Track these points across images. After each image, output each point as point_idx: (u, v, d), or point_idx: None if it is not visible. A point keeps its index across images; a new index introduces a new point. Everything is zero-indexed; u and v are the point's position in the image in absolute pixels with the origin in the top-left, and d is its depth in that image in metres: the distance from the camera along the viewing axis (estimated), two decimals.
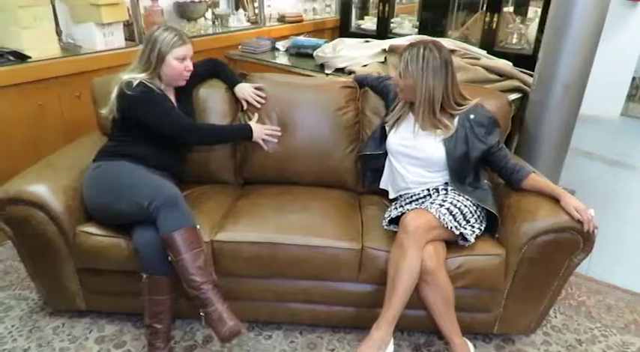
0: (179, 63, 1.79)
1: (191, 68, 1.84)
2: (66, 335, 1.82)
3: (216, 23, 3.41)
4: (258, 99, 2.04)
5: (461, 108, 1.74)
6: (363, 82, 2.11)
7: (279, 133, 2.01)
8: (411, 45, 1.68)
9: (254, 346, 1.80)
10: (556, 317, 1.99)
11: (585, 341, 1.88)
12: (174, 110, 1.82)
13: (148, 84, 1.76)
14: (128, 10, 2.68)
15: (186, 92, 1.96)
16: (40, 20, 2.32)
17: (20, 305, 1.97)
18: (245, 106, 2.06)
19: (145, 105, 1.75)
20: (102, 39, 2.54)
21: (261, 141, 1.98)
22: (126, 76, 1.76)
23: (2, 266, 2.20)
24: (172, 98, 1.88)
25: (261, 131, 1.97)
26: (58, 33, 2.49)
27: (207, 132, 1.92)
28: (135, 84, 1.73)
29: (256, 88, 2.05)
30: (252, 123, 1.99)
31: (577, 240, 1.60)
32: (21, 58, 2.25)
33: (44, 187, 1.65)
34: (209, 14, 3.38)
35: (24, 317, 1.91)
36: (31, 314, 1.92)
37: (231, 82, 2.08)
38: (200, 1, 3.26)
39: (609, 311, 2.04)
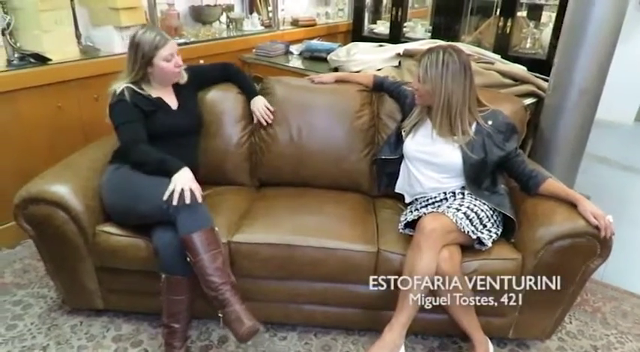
0: (167, 62, 1.79)
1: (180, 63, 1.82)
2: (84, 334, 1.85)
3: (231, 27, 3.44)
4: (266, 117, 2.05)
5: (478, 114, 1.74)
6: (382, 85, 2.11)
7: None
8: (430, 50, 1.69)
9: (269, 347, 1.81)
10: (571, 322, 1.98)
11: (601, 347, 1.87)
12: (130, 124, 1.74)
13: (127, 91, 1.75)
14: (145, 13, 2.72)
15: (187, 90, 1.95)
16: (60, 23, 2.36)
17: (39, 303, 2.00)
18: (255, 120, 2.08)
19: (111, 114, 1.78)
20: (120, 42, 2.58)
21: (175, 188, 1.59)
22: (114, 86, 1.78)
23: (21, 265, 2.24)
24: (170, 97, 1.88)
25: (186, 182, 1.60)
26: (77, 36, 2.53)
27: (139, 156, 1.71)
28: (118, 92, 1.75)
29: (267, 107, 2.06)
30: (181, 172, 1.62)
31: (594, 245, 1.60)
32: (42, 60, 2.30)
33: (65, 187, 1.68)
34: (224, 18, 3.42)
35: (42, 315, 1.94)
36: (49, 312, 1.95)
37: (249, 93, 2.10)
38: (215, 5, 3.31)
39: (625, 318, 2.02)
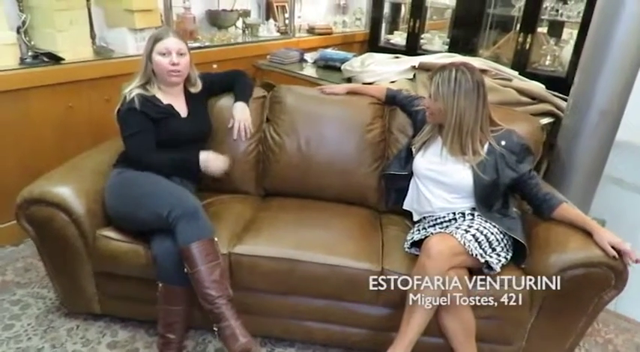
0: (162, 57, 1.74)
1: (175, 62, 1.74)
2: (79, 338, 1.82)
3: (247, 32, 3.43)
4: (242, 133, 1.97)
5: (490, 133, 1.69)
6: (394, 99, 2.06)
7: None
8: (443, 67, 1.64)
9: None
10: None
11: None
12: (139, 134, 1.73)
13: (137, 99, 1.73)
14: (161, 16, 2.72)
15: (198, 98, 1.92)
16: (75, 23, 2.36)
17: (37, 303, 1.98)
18: (230, 124, 1.97)
19: (120, 122, 1.76)
20: (134, 44, 2.58)
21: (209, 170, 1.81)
22: (126, 90, 1.77)
23: (23, 264, 2.22)
24: (180, 104, 1.85)
25: (208, 164, 1.80)
26: (92, 36, 2.52)
27: (152, 164, 1.74)
28: (128, 99, 1.74)
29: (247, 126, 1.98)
30: (202, 157, 1.80)
31: (609, 276, 1.52)
32: (55, 59, 2.29)
33: (67, 189, 1.67)
34: (239, 23, 3.41)
35: (40, 316, 1.92)
36: (47, 313, 1.93)
37: (238, 96, 2.00)
38: (232, 10, 3.30)
39: None
